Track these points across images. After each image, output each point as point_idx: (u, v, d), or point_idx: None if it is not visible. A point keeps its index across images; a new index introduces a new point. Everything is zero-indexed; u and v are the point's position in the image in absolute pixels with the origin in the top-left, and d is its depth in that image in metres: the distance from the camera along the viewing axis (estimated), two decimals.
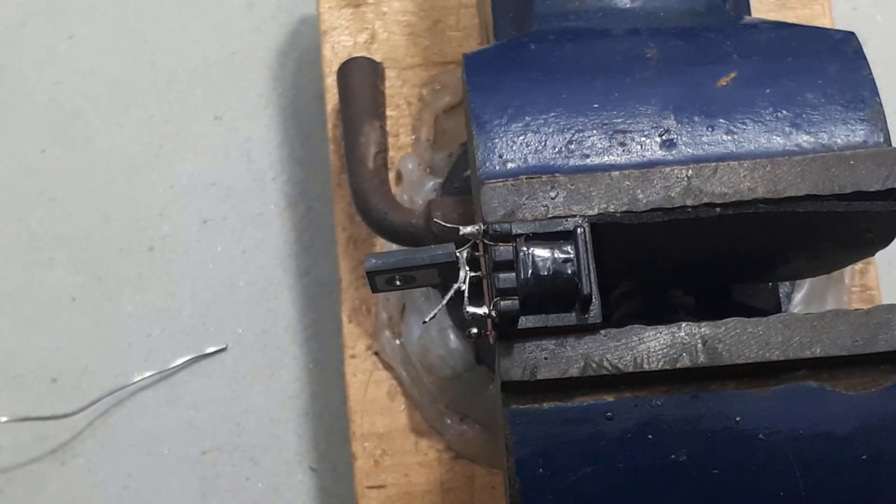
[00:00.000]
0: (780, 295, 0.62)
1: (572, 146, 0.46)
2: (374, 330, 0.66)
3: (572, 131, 0.46)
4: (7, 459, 0.73)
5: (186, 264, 0.75)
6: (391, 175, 0.71)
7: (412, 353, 0.65)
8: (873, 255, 0.51)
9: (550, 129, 0.46)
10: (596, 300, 0.42)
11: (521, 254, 0.41)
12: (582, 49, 0.51)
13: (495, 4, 0.58)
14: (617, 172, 0.45)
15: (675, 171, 0.45)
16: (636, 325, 0.43)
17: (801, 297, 0.68)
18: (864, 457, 0.43)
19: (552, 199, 0.44)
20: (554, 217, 0.43)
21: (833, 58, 0.48)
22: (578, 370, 0.42)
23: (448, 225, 0.41)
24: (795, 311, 0.68)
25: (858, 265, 0.72)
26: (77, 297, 0.75)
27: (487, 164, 0.45)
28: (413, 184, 0.70)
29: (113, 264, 0.75)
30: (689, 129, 0.46)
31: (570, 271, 0.41)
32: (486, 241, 0.41)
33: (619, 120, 0.47)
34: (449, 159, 0.72)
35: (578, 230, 0.42)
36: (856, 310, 0.43)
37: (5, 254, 0.76)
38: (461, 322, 0.69)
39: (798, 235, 0.47)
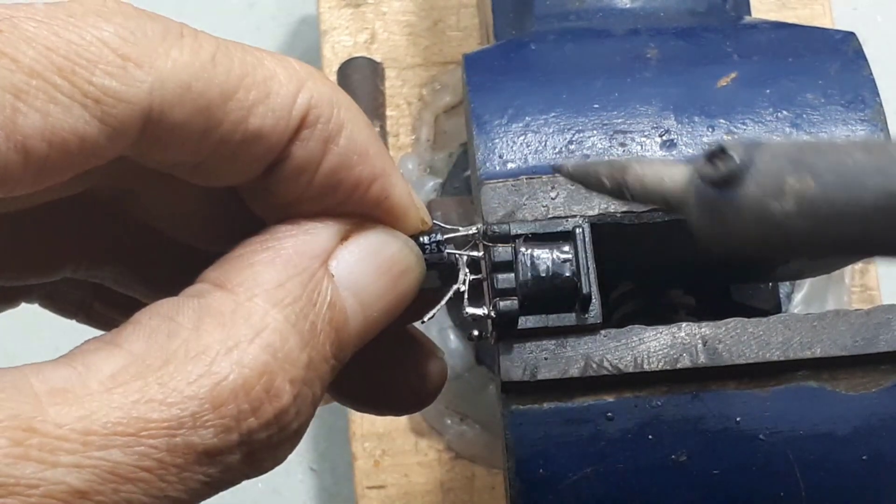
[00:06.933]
0: (780, 295, 0.62)
1: (572, 146, 0.46)
2: None
3: (572, 131, 0.46)
4: None
5: None
6: None
7: None
8: None
9: (551, 130, 0.46)
10: (596, 300, 0.42)
11: (520, 254, 0.41)
12: (582, 49, 0.51)
13: (495, 4, 0.58)
14: None
15: None
16: (636, 326, 0.43)
17: (801, 297, 0.68)
18: (864, 457, 0.43)
19: (552, 199, 0.44)
20: (554, 217, 0.43)
21: (833, 58, 0.48)
22: (578, 370, 0.42)
23: (447, 226, 0.41)
24: (795, 311, 0.68)
25: (858, 265, 0.72)
26: None
27: (487, 164, 0.45)
28: (413, 184, 0.70)
29: None
30: (690, 130, 0.46)
31: (569, 272, 0.41)
32: (484, 242, 0.41)
33: (620, 120, 0.46)
34: (449, 159, 0.72)
35: (577, 230, 0.42)
36: (856, 310, 0.43)
37: None
38: (461, 322, 0.69)
39: None
